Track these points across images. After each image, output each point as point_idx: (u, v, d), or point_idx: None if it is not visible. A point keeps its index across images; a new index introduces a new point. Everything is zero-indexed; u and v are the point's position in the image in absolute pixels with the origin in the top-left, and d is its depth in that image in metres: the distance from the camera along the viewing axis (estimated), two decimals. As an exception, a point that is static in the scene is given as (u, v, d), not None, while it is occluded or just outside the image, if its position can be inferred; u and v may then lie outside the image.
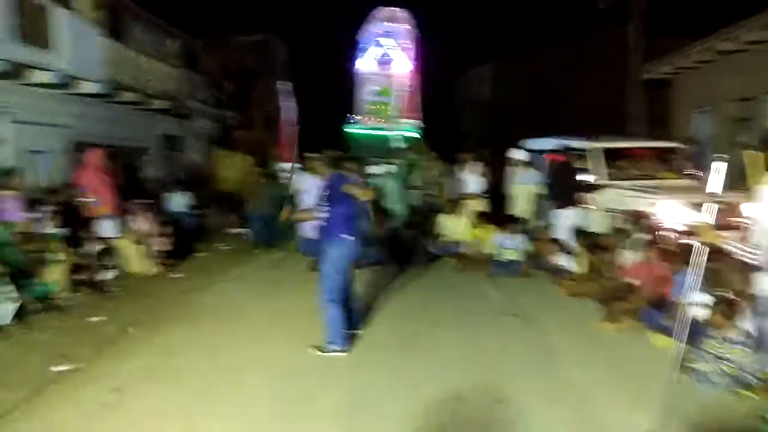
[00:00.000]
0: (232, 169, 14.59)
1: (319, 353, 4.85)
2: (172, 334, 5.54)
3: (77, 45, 10.91)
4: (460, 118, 29.66)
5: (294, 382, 4.31)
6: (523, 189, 9.06)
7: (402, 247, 8.94)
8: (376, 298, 6.75)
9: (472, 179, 9.88)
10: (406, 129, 11.13)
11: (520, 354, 4.98)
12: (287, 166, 9.91)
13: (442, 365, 4.67)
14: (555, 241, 8.14)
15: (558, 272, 7.68)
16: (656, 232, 6.64)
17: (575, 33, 21.11)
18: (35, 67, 9.67)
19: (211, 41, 19.58)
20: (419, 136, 10.67)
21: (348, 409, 3.84)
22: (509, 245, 8.39)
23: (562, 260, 7.82)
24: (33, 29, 9.79)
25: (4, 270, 5.64)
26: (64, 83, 10.36)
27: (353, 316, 5.21)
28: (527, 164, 9.15)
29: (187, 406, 3.90)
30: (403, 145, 10.95)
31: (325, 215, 4.92)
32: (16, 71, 9.15)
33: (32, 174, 10.35)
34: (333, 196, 4.87)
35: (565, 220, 8.51)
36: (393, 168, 9.57)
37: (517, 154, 9.14)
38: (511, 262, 8.32)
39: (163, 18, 16.11)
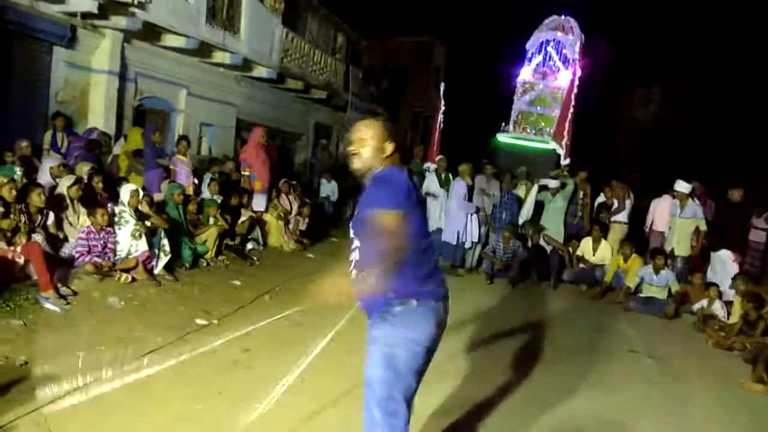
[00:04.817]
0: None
1: None
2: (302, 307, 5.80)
3: (257, 31, 11.83)
4: (615, 138, 27.96)
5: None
6: (684, 223, 8.29)
7: (539, 267, 8.63)
8: (502, 315, 6.54)
9: (623, 205, 9.26)
10: (560, 144, 10.65)
11: (650, 399, 4.54)
12: (431, 165, 9.99)
13: (557, 398, 4.37)
14: (709, 284, 7.36)
15: (706, 319, 6.93)
16: None
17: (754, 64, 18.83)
18: (218, 48, 10.63)
19: (375, 39, 20.28)
20: (570, 155, 10.20)
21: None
22: (655, 281, 7.74)
23: (713, 307, 7.05)
24: (222, 12, 10.78)
25: (165, 225, 6.25)
26: (240, 65, 11.27)
27: None
28: (691, 197, 8.37)
29: (307, 377, 4.03)
30: (555, 161, 10.51)
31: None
32: (201, 49, 10.10)
33: (200, 143, 11.47)
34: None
35: (724, 264, 7.69)
36: (562, 185, 9.20)
37: (682, 186, 8.38)
38: (653, 299, 7.67)
39: (336, 13, 16.95)
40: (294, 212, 9.14)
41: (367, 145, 2.36)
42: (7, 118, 7.62)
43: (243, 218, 7.84)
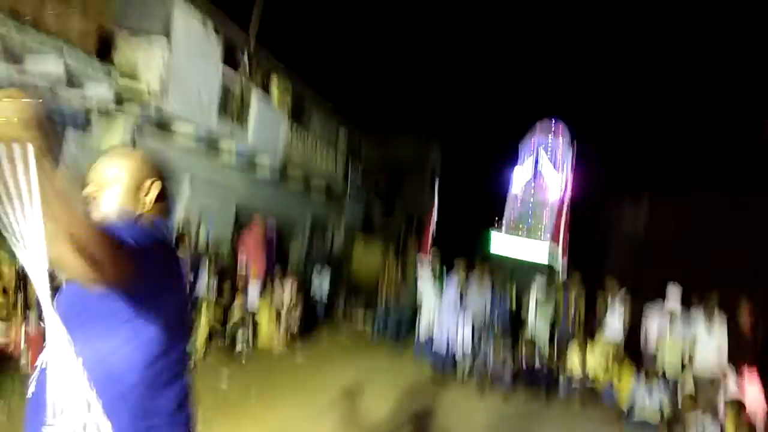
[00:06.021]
0: (370, 255, 15.05)
1: None
2: (288, 414, 5.62)
3: (263, 123, 12.23)
4: (605, 246, 28.35)
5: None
6: (673, 342, 8.26)
7: (532, 379, 8.48)
8: (494, 427, 6.36)
9: (613, 315, 9.28)
10: (552, 248, 10.87)
11: None
12: (424, 260, 10.07)
13: None
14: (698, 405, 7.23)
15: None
16: None
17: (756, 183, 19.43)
18: (225, 138, 10.93)
19: (374, 134, 21.02)
20: (562, 259, 10.41)
21: None
22: (647, 402, 7.59)
23: (708, 427, 6.89)
24: (233, 106, 11.20)
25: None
26: (245, 155, 11.54)
27: None
28: (683, 313, 8.39)
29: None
30: (547, 265, 10.69)
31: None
32: (209, 139, 10.39)
33: (198, 228, 11.51)
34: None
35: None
36: (547, 291, 9.30)
37: (672, 300, 8.43)
38: (647, 421, 7.50)
39: (338, 108, 17.65)
40: (288, 301, 9.03)
41: (118, 183, 1.61)
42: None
43: (235, 318, 7.73)
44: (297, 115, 14.65)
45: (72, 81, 7.99)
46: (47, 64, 7.54)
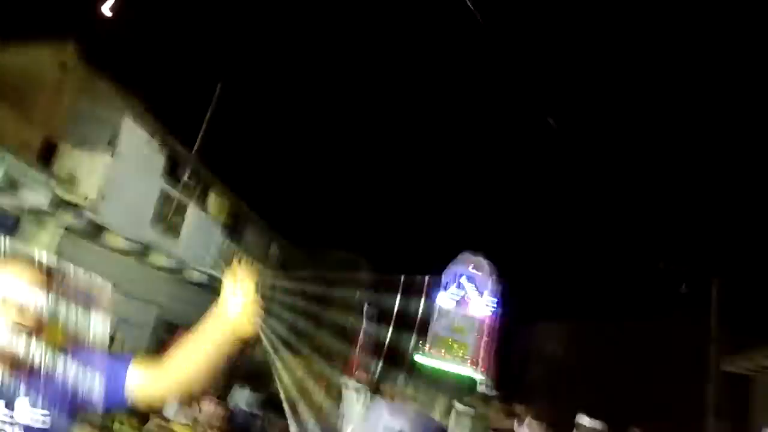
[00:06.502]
0: (295, 371, 14.77)
1: None
2: None
3: (197, 237, 12.42)
4: (523, 369, 28.90)
5: None
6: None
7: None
8: None
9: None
10: (473, 372, 11.25)
11: None
12: (350, 382, 10.10)
13: None
14: None
15: None
16: None
17: (654, 311, 20.94)
18: (157, 250, 11.01)
19: (305, 249, 21.38)
20: (485, 382, 10.77)
21: None
22: None
23: None
24: (168, 217, 11.41)
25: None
26: (175, 269, 11.58)
27: None
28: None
29: None
30: (467, 387, 10.99)
31: None
32: (142, 251, 10.45)
33: (113, 340, 11.16)
34: None
35: None
36: (471, 411, 9.50)
37: (584, 421, 8.80)
38: None
39: (273, 225, 18.11)
40: (208, 416, 8.70)
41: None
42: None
43: (149, 425, 7.44)
44: (231, 232, 14.95)
45: (9, 185, 8.10)
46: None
